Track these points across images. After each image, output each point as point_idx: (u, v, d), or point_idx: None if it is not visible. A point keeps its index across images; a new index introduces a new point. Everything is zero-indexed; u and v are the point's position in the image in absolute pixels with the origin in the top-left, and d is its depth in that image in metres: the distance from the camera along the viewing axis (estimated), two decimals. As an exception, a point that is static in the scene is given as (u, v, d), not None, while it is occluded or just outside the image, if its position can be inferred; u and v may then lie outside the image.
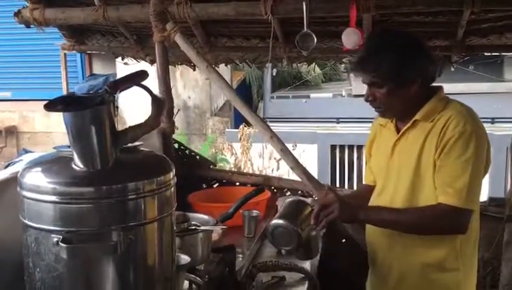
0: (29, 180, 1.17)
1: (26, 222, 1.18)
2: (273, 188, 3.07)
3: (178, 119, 7.15)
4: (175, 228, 1.37)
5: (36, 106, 7.32)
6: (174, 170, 1.32)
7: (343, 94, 12.66)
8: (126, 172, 1.20)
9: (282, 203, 2.70)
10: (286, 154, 2.88)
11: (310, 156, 6.34)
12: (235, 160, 6.08)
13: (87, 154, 1.14)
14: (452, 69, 3.33)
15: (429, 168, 1.75)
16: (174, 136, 6.78)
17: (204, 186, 3.14)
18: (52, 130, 7.02)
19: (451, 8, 2.71)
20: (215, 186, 3.15)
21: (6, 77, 7.99)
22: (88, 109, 1.09)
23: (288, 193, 3.06)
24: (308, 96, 11.79)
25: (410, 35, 1.85)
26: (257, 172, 6.30)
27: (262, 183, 3.04)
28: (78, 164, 1.15)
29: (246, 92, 11.59)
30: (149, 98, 1.27)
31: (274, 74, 11.80)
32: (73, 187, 1.13)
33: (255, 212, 2.53)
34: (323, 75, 14.70)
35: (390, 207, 1.82)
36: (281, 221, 1.87)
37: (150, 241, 1.24)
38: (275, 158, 6.07)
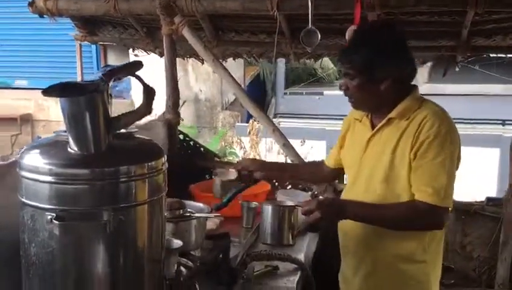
0: (28, 161, 1.25)
1: (23, 200, 1.26)
2: (274, 181, 3.12)
3: (189, 112, 7.27)
4: (166, 214, 1.43)
5: (51, 94, 7.44)
6: (165, 157, 1.38)
7: (356, 92, 12.63)
8: (118, 156, 1.26)
9: (281, 195, 2.79)
10: (288, 148, 2.96)
11: (318, 153, 6.38)
12: (244, 154, 6.15)
13: (82, 138, 1.20)
14: (457, 69, 3.34)
15: (404, 164, 1.79)
16: (184, 128, 6.87)
17: (208, 178, 3.20)
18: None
19: (456, 9, 2.74)
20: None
21: (23, 65, 8.15)
22: (83, 95, 1.16)
23: (289, 186, 3.12)
24: (322, 93, 11.77)
25: (393, 34, 1.86)
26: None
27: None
28: (73, 147, 1.22)
29: (260, 87, 11.62)
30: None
31: (285, 69, 11.82)
32: (68, 169, 1.20)
33: (253, 204, 2.58)
34: (337, 72, 14.64)
35: (373, 204, 1.87)
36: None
37: (140, 222, 1.31)
38: (283, 153, 6.11)
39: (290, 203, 2.40)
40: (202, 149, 3.25)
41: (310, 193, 2.95)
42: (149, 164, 1.32)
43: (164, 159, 1.38)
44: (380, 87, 1.80)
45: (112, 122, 1.22)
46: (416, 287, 1.88)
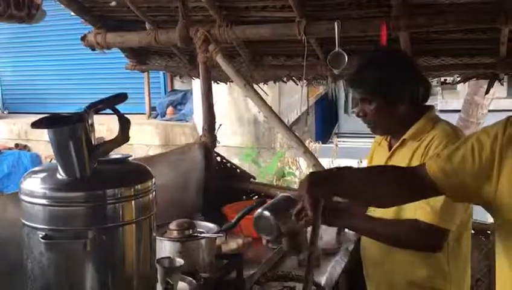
0: (25, 186, 1.40)
1: (22, 220, 1.41)
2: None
3: (248, 134, 7.37)
4: (154, 233, 1.53)
5: (121, 119, 7.91)
6: (153, 180, 1.48)
7: (428, 109, 12.24)
8: (102, 180, 1.38)
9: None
10: (318, 169, 2.97)
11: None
12: (300, 174, 6.18)
13: (67, 164, 1.33)
14: (503, 86, 3.22)
15: None
16: (245, 150, 6.96)
17: (245, 198, 3.29)
18: (134, 142, 7.54)
19: (486, 26, 2.66)
20: (254, 198, 3.28)
21: (97, 92, 8.71)
22: (65, 126, 1.29)
23: (323, 207, 3.12)
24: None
25: (401, 55, 1.90)
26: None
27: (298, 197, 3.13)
28: (61, 173, 1.35)
29: (329, 106, 11.57)
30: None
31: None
32: (55, 192, 1.34)
33: (280, 225, 2.62)
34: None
35: (371, 216, 1.86)
36: (264, 212, 1.97)
37: (126, 241, 1.42)
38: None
39: None
40: (238, 170, 3.34)
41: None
42: (135, 186, 1.42)
43: (152, 181, 1.48)
44: (397, 109, 1.81)
45: (93, 150, 1.34)
46: None
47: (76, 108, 9.01)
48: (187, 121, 7.65)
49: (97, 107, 1.35)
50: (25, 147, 8.59)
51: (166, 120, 7.97)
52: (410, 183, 1.31)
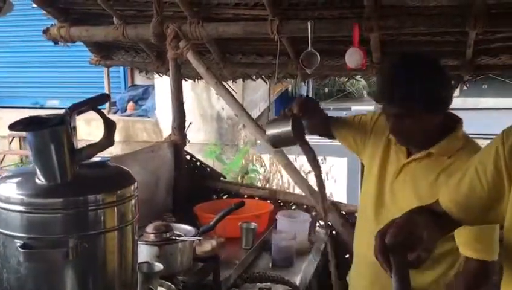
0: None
1: (-4, 227, 1.33)
2: (279, 201, 3.15)
3: (211, 130, 7.31)
4: (136, 239, 1.48)
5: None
6: (135, 184, 1.43)
7: (386, 107, 12.50)
8: (84, 186, 1.32)
9: (280, 217, 2.79)
10: (290, 169, 2.97)
11: (338, 171, 6.35)
12: (264, 171, 6.18)
13: (48, 169, 1.27)
14: (465, 88, 3.30)
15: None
16: (209, 146, 6.90)
17: (215, 198, 3.25)
18: (94, 138, 7.32)
19: (455, 30, 2.71)
20: (224, 197, 3.26)
21: (55, 86, 8.47)
22: (46, 129, 1.22)
23: (294, 206, 3.13)
24: (349, 109, 11.68)
25: (436, 61, 1.77)
26: (286, 184, 6.35)
27: (268, 197, 3.14)
28: (40, 178, 1.28)
29: (290, 104, 11.63)
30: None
31: (315, 85, 11.82)
32: (34, 198, 1.27)
33: (252, 225, 2.61)
34: (368, 86, 14.50)
35: None
36: None
37: (108, 248, 1.36)
38: (303, 171, 6.10)
39: None
40: (208, 169, 3.30)
41: (313, 213, 2.96)
42: (117, 192, 1.37)
43: (134, 186, 1.43)
44: (434, 120, 1.71)
45: (75, 153, 1.28)
46: None
47: (32, 102, 8.74)
48: (149, 117, 7.52)
49: (80, 108, 1.29)
50: (-23, 142, 8.24)
51: (127, 116, 7.81)
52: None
